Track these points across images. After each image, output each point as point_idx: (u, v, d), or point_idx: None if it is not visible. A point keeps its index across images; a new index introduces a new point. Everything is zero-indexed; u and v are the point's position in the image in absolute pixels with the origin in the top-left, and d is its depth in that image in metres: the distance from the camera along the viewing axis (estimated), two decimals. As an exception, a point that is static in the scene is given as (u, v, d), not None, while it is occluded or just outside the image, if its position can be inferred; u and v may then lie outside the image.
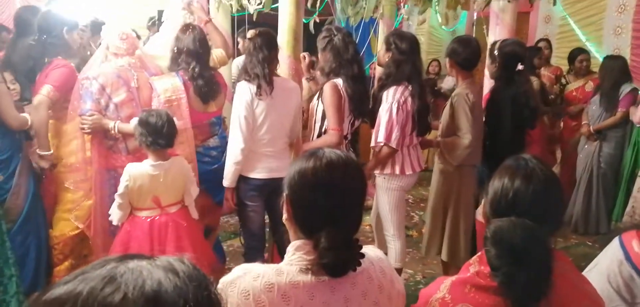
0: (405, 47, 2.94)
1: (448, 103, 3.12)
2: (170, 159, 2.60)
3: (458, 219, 3.12)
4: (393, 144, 2.89)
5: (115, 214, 2.59)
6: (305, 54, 3.39)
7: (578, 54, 5.08)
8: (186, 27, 3.03)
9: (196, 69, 2.93)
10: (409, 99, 2.91)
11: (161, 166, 2.55)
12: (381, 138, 2.91)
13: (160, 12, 4.34)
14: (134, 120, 2.66)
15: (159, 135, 2.50)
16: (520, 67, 3.10)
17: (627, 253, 1.58)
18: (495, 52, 3.21)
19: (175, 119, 2.66)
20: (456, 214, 3.12)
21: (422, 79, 3.07)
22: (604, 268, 1.63)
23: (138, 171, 2.55)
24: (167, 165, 2.57)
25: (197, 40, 2.95)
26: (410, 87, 2.92)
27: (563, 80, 5.22)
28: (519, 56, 3.12)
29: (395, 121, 2.87)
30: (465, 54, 3.01)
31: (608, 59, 4.67)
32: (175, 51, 3.00)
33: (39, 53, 3.01)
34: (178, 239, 2.56)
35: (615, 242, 1.64)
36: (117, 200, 2.56)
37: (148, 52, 3.30)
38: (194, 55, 2.94)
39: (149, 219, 2.58)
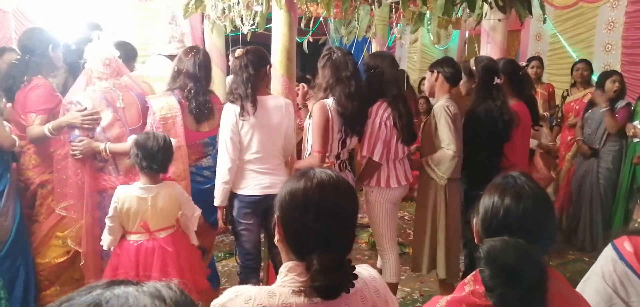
0: (373, 64, 3.10)
1: (428, 119, 3.19)
2: (161, 183, 2.58)
3: (449, 234, 3.16)
4: (376, 158, 2.98)
5: (105, 239, 2.57)
6: (302, 84, 3.46)
7: (578, 64, 5.09)
8: (190, 50, 3.06)
9: (192, 91, 2.95)
10: (392, 115, 2.97)
11: (150, 190, 2.53)
12: (365, 152, 3.01)
13: None
14: (131, 138, 2.65)
15: (153, 160, 2.49)
16: (497, 80, 3.19)
17: (619, 253, 1.59)
18: (472, 68, 3.30)
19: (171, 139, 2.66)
20: (447, 230, 3.16)
21: (400, 88, 3.15)
22: (598, 269, 1.64)
23: (126, 193, 2.53)
24: (156, 189, 2.54)
25: (197, 64, 2.98)
26: (389, 100, 3.00)
27: (565, 93, 5.26)
28: (496, 70, 3.21)
29: (378, 136, 2.97)
30: (452, 69, 3.14)
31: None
32: (176, 70, 3.01)
33: (21, 71, 3.02)
34: (163, 266, 2.52)
35: (608, 247, 1.65)
36: (107, 223, 2.53)
37: (143, 73, 3.32)
38: (193, 77, 2.96)
39: (136, 244, 2.55)
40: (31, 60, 3.02)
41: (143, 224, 2.52)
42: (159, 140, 2.51)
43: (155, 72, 3.45)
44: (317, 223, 1.12)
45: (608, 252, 1.63)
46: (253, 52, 2.81)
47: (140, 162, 2.49)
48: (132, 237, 2.56)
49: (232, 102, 2.73)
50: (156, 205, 2.54)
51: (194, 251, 2.79)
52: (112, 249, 2.60)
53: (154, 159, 2.48)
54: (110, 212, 2.51)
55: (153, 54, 3.83)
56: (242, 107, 2.69)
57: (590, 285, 1.47)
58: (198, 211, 2.73)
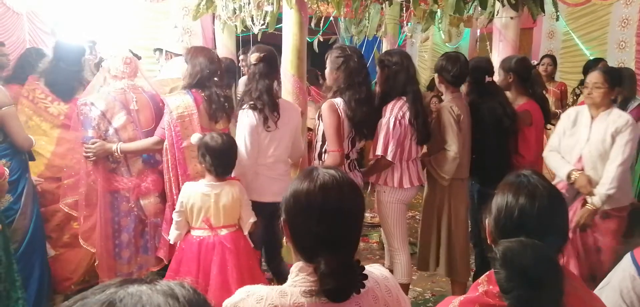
0: (396, 59, 3.03)
1: (435, 118, 3.19)
2: (225, 182, 2.61)
3: (451, 233, 3.17)
4: (389, 157, 2.95)
5: (172, 233, 2.64)
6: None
7: (598, 63, 4.98)
8: (202, 49, 3.09)
9: (213, 86, 2.95)
10: (407, 113, 2.94)
11: (214, 187, 2.58)
12: (379, 151, 2.96)
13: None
14: (195, 136, 2.69)
15: (220, 160, 2.55)
16: (488, 79, 3.22)
17: (639, 269, 1.55)
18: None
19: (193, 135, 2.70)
20: (449, 229, 3.16)
21: (418, 87, 3.11)
22: (616, 284, 1.60)
23: (192, 190, 2.59)
24: (219, 187, 2.58)
25: (214, 59, 3.02)
26: (406, 98, 2.96)
27: (577, 91, 5.17)
28: (484, 69, 3.25)
29: (392, 135, 2.93)
30: (454, 71, 3.10)
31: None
32: (196, 67, 3.00)
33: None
34: (222, 262, 2.55)
35: (627, 258, 1.61)
36: (174, 218, 2.61)
37: (161, 77, 3.36)
38: (213, 72, 2.98)
39: (198, 239, 2.59)
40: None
41: (206, 220, 2.58)
42: (225, 142, 2.57)
43: (177, 73, 3.47)
44: (320, 226, 1.11)
45: (627, 265, 1.58)
46: (269, 58, 2.79)
47: (206, 162, 2.55)
48: (196, 233, 2.61)
49: (253, 109, 2.73)
50: (219, 202, 2.58)
51: (254, 254, 2.79)
52: (178, 243, 2.67)
53: (220, 159, 2.55)
54: (177, 207, 2.60)
55: (176, 56, 3.88)
56: (266, 119, 2.72)
57: (606, 298, 1.43)
58: (253, 218, 2.71)
